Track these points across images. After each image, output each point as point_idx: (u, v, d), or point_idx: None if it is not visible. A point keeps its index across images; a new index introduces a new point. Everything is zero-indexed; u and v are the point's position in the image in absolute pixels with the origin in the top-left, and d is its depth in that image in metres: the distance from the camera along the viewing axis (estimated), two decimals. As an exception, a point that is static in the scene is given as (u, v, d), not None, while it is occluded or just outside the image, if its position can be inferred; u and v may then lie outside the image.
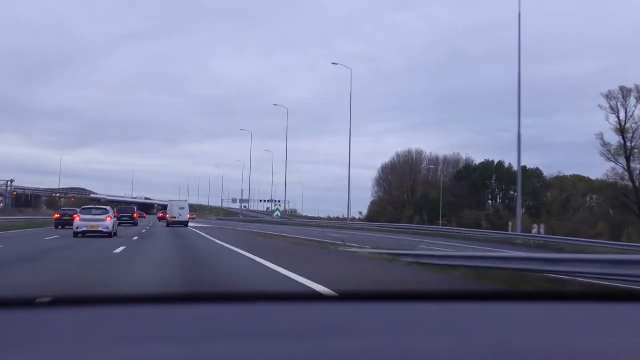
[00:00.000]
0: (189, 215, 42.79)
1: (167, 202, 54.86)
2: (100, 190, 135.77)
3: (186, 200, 50.65)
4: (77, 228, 20.15)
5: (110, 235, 19.64)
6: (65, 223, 27.12)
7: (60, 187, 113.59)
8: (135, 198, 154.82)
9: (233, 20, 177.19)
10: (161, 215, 56.27)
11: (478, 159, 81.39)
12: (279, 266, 9.27)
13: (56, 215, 31.10)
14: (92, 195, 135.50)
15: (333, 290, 1.95)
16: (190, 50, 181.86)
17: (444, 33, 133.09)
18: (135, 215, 40.85)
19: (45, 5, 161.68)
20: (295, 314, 1.28)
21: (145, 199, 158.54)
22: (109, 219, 20.52)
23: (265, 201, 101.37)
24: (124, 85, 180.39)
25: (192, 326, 1.12)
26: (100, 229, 19.78)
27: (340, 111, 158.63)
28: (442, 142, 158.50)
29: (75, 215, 22.22)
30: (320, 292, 1.80)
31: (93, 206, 25.82)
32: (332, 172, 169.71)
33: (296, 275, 7.80)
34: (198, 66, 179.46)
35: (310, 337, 1.08)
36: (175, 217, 41.66)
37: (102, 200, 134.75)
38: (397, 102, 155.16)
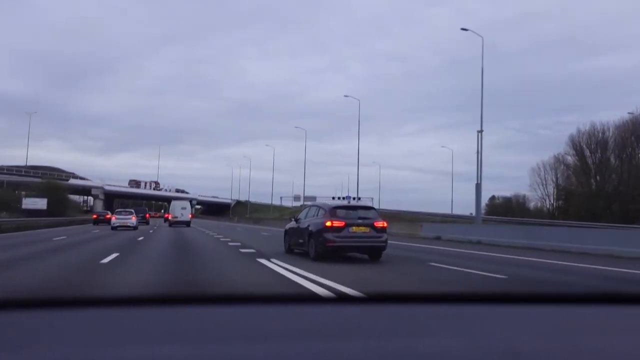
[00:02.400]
0: (190, 215, 45.46)
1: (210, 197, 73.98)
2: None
3: (188, 200, 52.53)
4: (114, 224, 35.23)
5: (134, 228, 34.64)
6: (100, 221, 44.65)
7: (30, 164, 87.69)
8: (160, 189, 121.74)
9: (263, 22, 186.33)
10: (167, 215, 55.61)
11: (523, 158, 68.91)
12: None
13: (94, 216, 48.83)
14: (73, 182, 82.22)
15: (335, 293, 2.08)
16: (222, 54, 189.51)
17: (477, 28, 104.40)
18: (147, 216, 51.19)
19: (81, 12, 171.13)
20: (299, 316, 1.31)
21: (177, 191, 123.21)
22: (133, 217, 36.27)
23: (341, 198, 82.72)
24: (159, 90, 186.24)
25: (196, 328, 1.16)
26: (128, 224, 34.93)
27: (374, 111, 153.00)
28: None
29: (109, 215, 43.31)
30: (323, 295, 1.70)
31: (123, 209, 41.07)
32: (371, 173, 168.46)
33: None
34: (230, 69, 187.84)
35: (314, 340, 1.10)
36: (177, 217, 44.47)
37: (92, 192, 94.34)
38: (430, 101, 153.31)
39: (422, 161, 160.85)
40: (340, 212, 12.28)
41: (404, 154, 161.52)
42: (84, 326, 1.14)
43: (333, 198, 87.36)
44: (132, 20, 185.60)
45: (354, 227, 11.83)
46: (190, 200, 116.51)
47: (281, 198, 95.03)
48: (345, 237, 11.69)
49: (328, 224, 11.75)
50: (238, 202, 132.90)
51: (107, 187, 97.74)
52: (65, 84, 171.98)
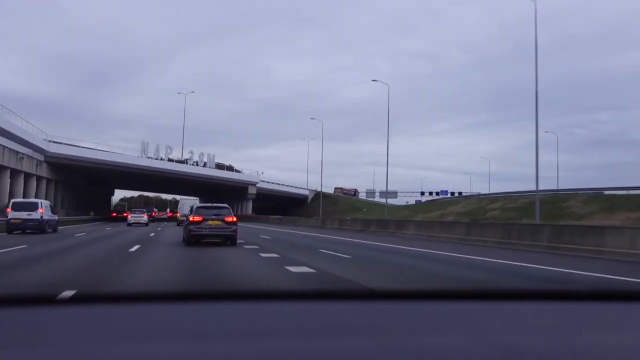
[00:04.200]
0: None
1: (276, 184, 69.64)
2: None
3: (196, 198, 55.01)
4: (129, 221, 44.19)
5: (146, 224, 42.91)
6: (117, 219, 55.52)
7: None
8: (184, 161, 66.35)
9: (287, 21, 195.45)
10: (170, 214, 63.59)
11: (559, 158, 53.89)
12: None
13: (113, 214, 61.53)
14: None
15: (337, 291, 2.03)
16: (247, 54, 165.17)
17: (507, 25, 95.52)
18: (152, 214, 59.54)
19: (109, 15, 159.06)
20: (303, 312, 1.38)
21: (219, 167, 70.45)
22: (145, 216, 44.61)
23: (433, 193, 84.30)
24: (185, 90, 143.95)
25: (201, 324, 1.21)
26: (140, 221, 43.31)
27: (400, 110, 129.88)
28: (510, 141, 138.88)
29: (126, 213, 55.02)
30: (328, 290, 1.79)
31: (137, 209, 53.41)
32: (403, 174, 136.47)
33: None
34: (256, 69, 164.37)
35: (317, 336, 1.15)
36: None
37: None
38: (458, 100, 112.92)
39: (451, 161, 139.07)
40: (200, 210, 18.28)
41: (433, 154, 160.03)
42: (88, 323, 1.17)
43: (422, 194, 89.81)
44: (158, 22, 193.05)
45: (209, 221, 17.37)
46: (248, 184, 72.28)
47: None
48: (203, 228, 17.30)
49: (191, 218, 17.75)
50: (319, 195, 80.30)
51: (51, 150, 41.55)
52: (96, 87, 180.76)
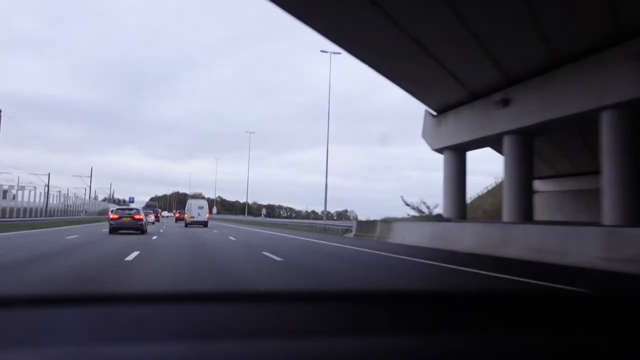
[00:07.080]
0: (208, 215, 48.93)
1: None
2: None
3: (205, 199, 56.16)
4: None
5: (152, 223, 50.68)
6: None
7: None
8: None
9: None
10: (178, 215, 63.89)
11: None
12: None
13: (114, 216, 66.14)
14: None
15: (336, 293, 1.87)
16: (286, 57, 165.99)
17: None
18: (158, 215, 65.49)
19: (151, 21, 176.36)
20: (298, 313, 1.35)
21: None
22: (152, 216, 51.77)
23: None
24: (226, 96, 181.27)
25: (199, 325, 1.18)
26: (150, 221, 47.80)
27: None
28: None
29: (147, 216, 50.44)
30: (324, 293, 1.67)
31: (147, 209, 60.12)
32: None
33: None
34: (295, 73, 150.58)
35: (315, 338, 1.12)
36: (193, 217, 47.54)
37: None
38: None
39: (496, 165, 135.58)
40: (118, 211, 28.95)
41: (476, 158, 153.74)
42: (87, 323, 1.17)
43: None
44: (200, 29, 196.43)
45: (124, 218, 27.80)
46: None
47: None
48: (119, 222, 27.67)
49: (112, 216, 28.33)
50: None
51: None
52: (137, 93, 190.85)
